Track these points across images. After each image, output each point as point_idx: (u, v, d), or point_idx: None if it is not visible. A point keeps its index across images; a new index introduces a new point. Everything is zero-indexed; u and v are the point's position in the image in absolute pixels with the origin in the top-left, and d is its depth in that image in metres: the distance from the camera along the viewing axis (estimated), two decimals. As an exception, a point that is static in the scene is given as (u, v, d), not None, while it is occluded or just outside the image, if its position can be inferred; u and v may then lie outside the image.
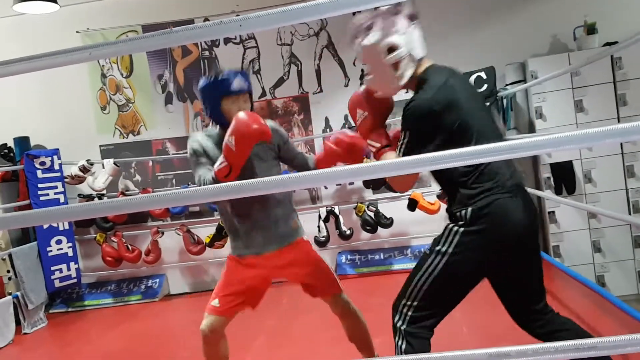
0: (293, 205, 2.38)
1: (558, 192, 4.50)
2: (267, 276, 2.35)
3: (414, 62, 1.82)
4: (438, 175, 1.85)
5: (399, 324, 1.79)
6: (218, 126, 2.24)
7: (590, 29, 4.51)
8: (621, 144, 4.37)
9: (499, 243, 1.70)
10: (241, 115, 2.02)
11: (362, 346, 2.42)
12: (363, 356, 2.44)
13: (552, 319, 1.81)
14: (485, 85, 4.44)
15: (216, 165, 2.07)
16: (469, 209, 1.70)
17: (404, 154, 1.74)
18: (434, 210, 4.58)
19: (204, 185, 2.13)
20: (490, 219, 1.69)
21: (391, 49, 1.80)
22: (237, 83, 2.16)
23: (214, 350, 2.32)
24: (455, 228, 1.73)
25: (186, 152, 2.34)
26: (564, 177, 4.50)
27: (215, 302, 2.27)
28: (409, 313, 1.78)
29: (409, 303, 1.78)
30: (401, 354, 1.74)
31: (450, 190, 1.81)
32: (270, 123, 2.27)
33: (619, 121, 4.38)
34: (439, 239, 1.78)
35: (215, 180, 2.08)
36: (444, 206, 4.65)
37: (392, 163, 1.03)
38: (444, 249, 1.74)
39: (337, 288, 2.34)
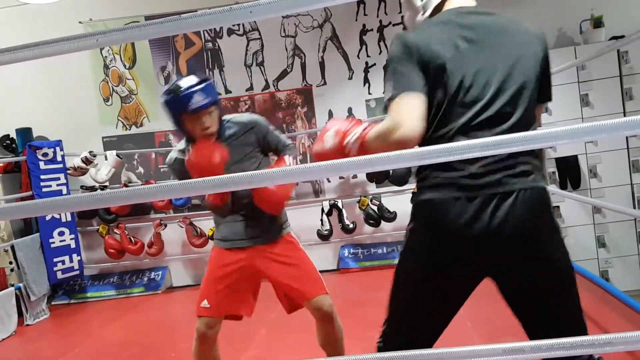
0: None
1: (563, 186, 4.47)
2: (254, 272, 2.26)
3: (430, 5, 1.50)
4: None
5: (379, 339, 1.56)
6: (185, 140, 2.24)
7: (597, 23, 4.48)
8: (627, 139, 4.35)
9: (435, 249, 1.41)
10: (196, 158, 2.02)
11: (333, 354, 2.29)
12: None
13: None
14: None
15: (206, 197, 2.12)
16: (413, 202, 1.47)
17: (389, 99, 1.36)
18: None
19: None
20: (422, 219, 1.44)
21: None
22: (195, 101, 2.01)
23: (208, 351, 2.26)
24: (408, 225, 1.50)
25: None
26: (569, 172, 4.48)
27: (204, 303, 2.21)
28: (384, 327, 1.55)
29: (386, 315, 1.55)
30: None
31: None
32: (246, 117, 2.26)
33: (625, 115, 4.35)
34: None
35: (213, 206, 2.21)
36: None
37: (392, 155, 0.99)
38: (400, 249, 1.54)
39: (323, 288, 2.24)
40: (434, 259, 1.41)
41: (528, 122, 1.40)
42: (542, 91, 1.47)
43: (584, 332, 1.41)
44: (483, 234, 1.33)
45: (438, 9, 1.50)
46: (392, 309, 1.52)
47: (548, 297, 1.40)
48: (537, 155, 1.42)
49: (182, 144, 2.26)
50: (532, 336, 1.44)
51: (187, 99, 2.00)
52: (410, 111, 1.32)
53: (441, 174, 1.37)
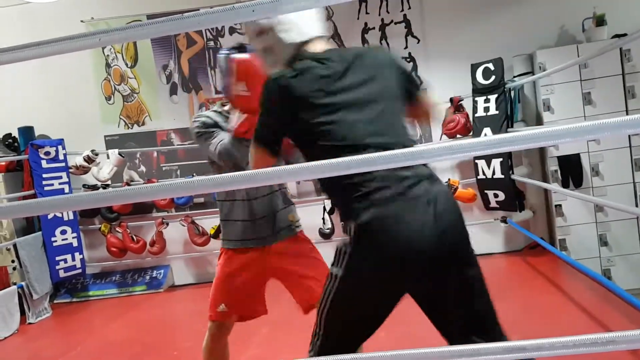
0: (290, 197, 2.30)
1: (565, 185, 4.47)
2: (266, 271, 2.21)
3: (291, 48, 1.54)
4: (324, 180, 1.54)
5: (310, 354, 1.57)
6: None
7: (599, 21, 4.46)
8: (629, 137, 4.34)
9: (386, 264, 1.41)
10: (242, 56, 1.90)
11: None
12: None
13: None
14: (493, 77, 4.41)
15: (232, 124, 2.00)
16: (353, 224, 1.44)
17: (255, 138, 1.57)
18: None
19: (222, 149, 2.05)
20: (373, 237, 1.41)
21: (261, 31, 1.55)
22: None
23: (221, 348, 2.23)
24: (344, 248, 1.47)
25: (191, 143, 2.30)
26: (571, 170, 4.47)
27: (222, 308, 2.14)
28: (317, 342, 1.56)
29: (317, 331, 1.56)
30: None
31: (337, 200, 1.57)
32: None
33: (627, 114, 4.33)
34: (334, 258, 1.51)
35: (234, 143, 2.02)
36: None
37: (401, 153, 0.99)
38: (335, 271, 1.49)
39: None
40: (384, 273, 1.43)
41: (405, 135, 1.53)
42: (411, 90, 1.61)
43: (500, 331, 1.49)
44: (427, 239, 1.39)
45: (301, 47, 1.56)
46: (328, 325, 1.54)
47: (466, 297, 1.46)
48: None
49: (217, 107, 2.22)
50: (451, 342, 1.50)
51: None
52: (260, 162, 1.58)
53: (379, 188, 1.42)
